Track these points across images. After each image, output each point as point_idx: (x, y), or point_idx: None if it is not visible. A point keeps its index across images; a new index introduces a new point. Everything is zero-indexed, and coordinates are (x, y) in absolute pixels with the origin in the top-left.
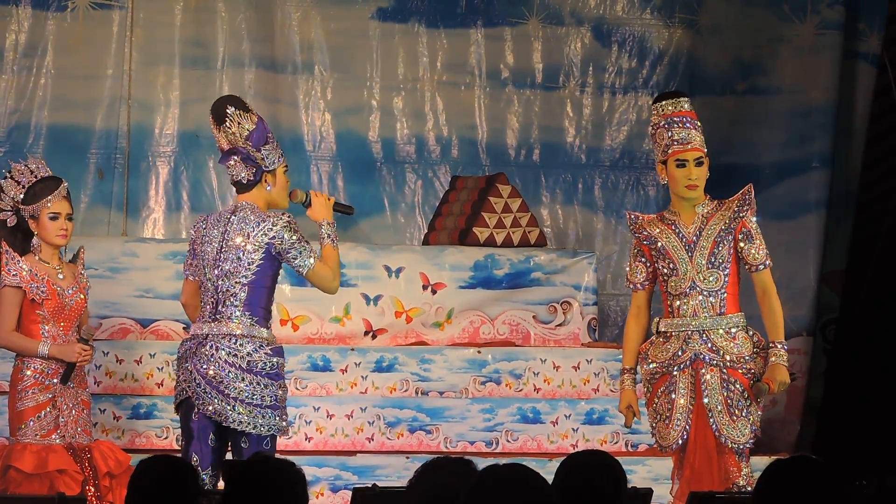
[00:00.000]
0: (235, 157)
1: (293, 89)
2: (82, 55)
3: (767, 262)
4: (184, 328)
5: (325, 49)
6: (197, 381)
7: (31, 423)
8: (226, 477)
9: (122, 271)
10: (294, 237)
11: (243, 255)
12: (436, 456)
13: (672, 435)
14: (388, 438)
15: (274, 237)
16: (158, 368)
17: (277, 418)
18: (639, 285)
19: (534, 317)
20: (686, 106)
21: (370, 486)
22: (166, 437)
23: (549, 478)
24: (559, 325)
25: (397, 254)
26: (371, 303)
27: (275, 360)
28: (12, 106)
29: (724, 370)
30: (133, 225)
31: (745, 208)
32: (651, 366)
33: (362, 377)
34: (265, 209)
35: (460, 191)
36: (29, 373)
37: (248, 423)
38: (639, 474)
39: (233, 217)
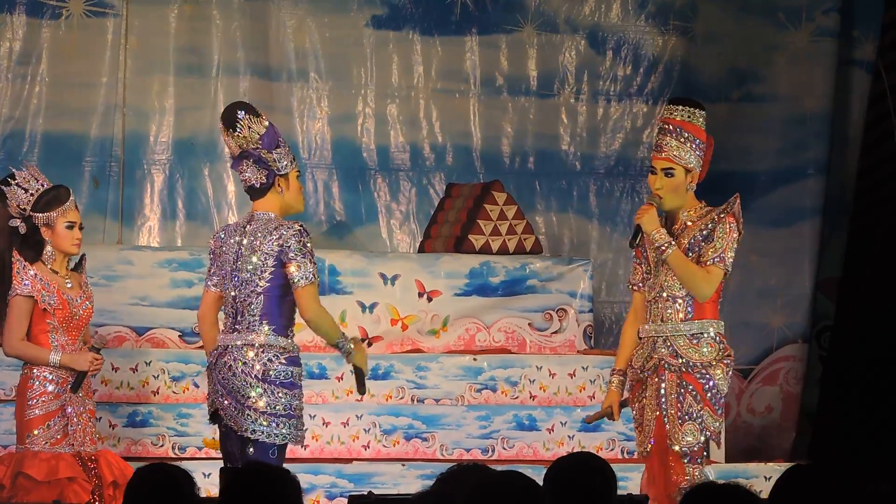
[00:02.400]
0: (247, 161)
1: (288, 97)
2: (77, 63)
3: (714, 261)
4: (179, 336)
5: (319, 57)
6: (220, 393)
7: (40, 431)
8: (221, 484)
9: (117, 279)
10: (300, 249)
11: (258, 264)
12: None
13: (643, 441)
14: (384, 446)
15: (282, 244)
16: (154, 376)
17: (291, 427)
18: (635, 286)
19: (529, 324)
20: (680, 116)
21: (366, 493)
22: (162, 446)
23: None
24: (555, 332)
25: (392, 261)
26: (366, 310)
27: (291, 369)
28: (7, 114)
29: (682, 375)
30: (128, 233)
31: (723, 215)
32: (630, 371)
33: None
34: (281, 215)
35: (455, 198)
36: (38, 381)
37: (260, 432)
38: (634, 481)
39: (248, 227)
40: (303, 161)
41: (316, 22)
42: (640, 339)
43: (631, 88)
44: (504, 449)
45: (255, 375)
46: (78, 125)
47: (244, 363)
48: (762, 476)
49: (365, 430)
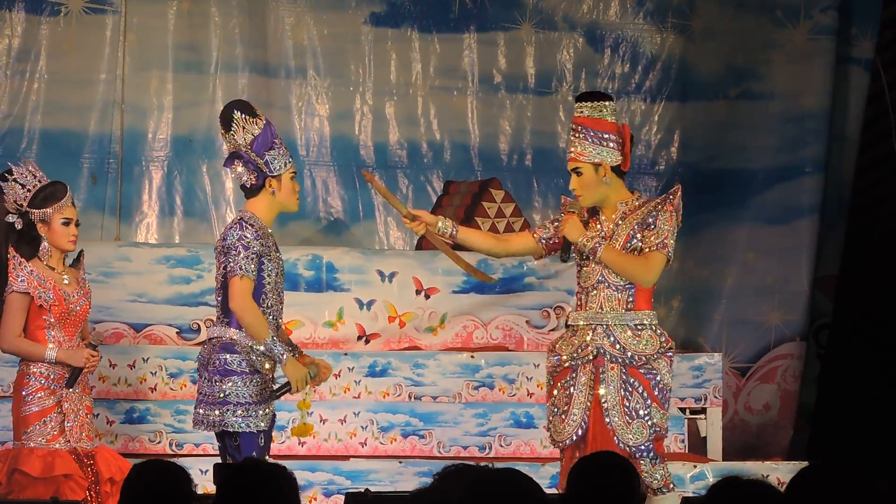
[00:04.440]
0: (238, 162)
1: (286, 94)
2: (76, 59)
3: (658, 248)
4: (177, 333)
5: (318, 54)
6: None
7: (36, 427)
8: (216, 480)
9: (115, 276)
10: (232, 243)
11: (216, 261)
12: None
13: (567, 430)
14: (381, 443)
15: (225, 238)
16: (152, 373)
17: (228, 414)
18: (535, 232)
19: (527, 321)
20: (582, 112)
21: (363, 490)
22: (159, 442)
23: (542, 482)
24: (552, 329)
25: (390, 258)
26: (364, 307)
27: (224, 356)
28: (5, 110)
29: (625, 368)
30: (126, 229)
31: (663, 205)
32: (555, 358)
33: (355, 382)
34: (273, 213)
35: (453, 195)
36: (34, 378)
37: (200, 422)
38: None
39: None
40: (301, 158)
41: (314, 19)
42: (570, 326)
43: (629, 86)
44: (501, 446)
45: (204, 366)
46: (76, 122)
47: (202, 356)
48: (760, 474)
49: (362, 427)
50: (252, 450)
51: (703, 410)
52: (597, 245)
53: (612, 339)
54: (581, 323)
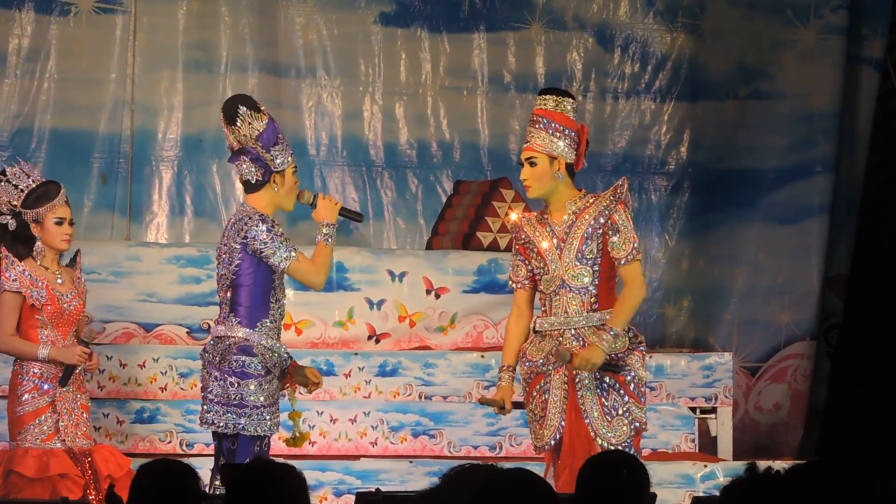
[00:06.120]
0: (245, 157)
1: (296, 94)
2: (85, 59)
3: (634, 255)
4: (187, 332)
5: (328, 53)
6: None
7: (31, 427)
8: (225, 480)
9: (125, 275)
10: (266, 235)
11: (225, 257)
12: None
13: (546, 434)
14: (392, 443)
15: (246, 236)
16: (162, 373)
17: (244, 418)
18: (518, 284)
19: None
20: (545, 105)
21: (373, 490)
22: (170, 442)
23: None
24: None
25: (400, 258)
26: (374, 307)
27: (243, 358)
28: (15, 110)
29: (598, 369)
30: (136, 229)
31: (615, 202)
32: (527, 365)
33: (366, 381)
34: (272, 210)
35: (463, 195)
36: (28, 377)
37: (209, 422)
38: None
39: (229, 222)
40: (311, 158)
41: (324, 19)
42: (538, 332)
43: (639, 86)
44: (512, 446)
45: (215, 365)
46: (86, 121)
47: (210, 354)
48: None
49: (373, 426)
50: (248, 454)
51: (714, 410)
52: (611, 332)
53: (581, 341)
54: (548, 328)
